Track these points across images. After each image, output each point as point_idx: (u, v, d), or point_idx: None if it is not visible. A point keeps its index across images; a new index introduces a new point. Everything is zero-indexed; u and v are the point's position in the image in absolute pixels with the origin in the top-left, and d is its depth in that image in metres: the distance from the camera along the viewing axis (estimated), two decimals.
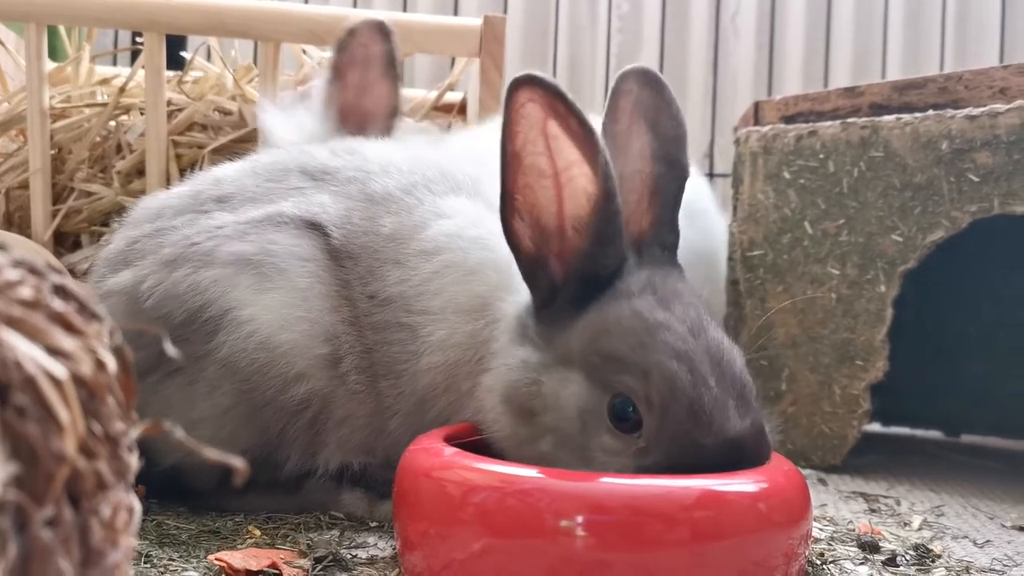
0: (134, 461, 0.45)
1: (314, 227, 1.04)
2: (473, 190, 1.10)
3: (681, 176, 0.96)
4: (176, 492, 1.04)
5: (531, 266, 0.91)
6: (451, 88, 1.89)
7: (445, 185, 1.09)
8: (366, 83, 1.31)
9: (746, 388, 0.85)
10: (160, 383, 0.99)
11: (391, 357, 1.02)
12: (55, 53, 1.84)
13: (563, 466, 0.85)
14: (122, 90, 1.67)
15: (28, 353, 0.39)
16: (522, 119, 0.86)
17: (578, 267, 0.89)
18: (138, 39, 1.67)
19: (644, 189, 0.96)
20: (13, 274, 0.42)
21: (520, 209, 0.89)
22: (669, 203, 0.96)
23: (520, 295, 0.95)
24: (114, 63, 2.24)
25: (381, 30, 1.29)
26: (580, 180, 0.87)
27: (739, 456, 0.81)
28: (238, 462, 0.45)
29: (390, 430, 1.03)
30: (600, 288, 0.89)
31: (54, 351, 0.41)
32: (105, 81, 1.77)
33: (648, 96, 0.97)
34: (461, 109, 1.89)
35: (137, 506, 0.45)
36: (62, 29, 1.84)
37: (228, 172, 1.14)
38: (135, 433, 0.46)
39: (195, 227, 1.04)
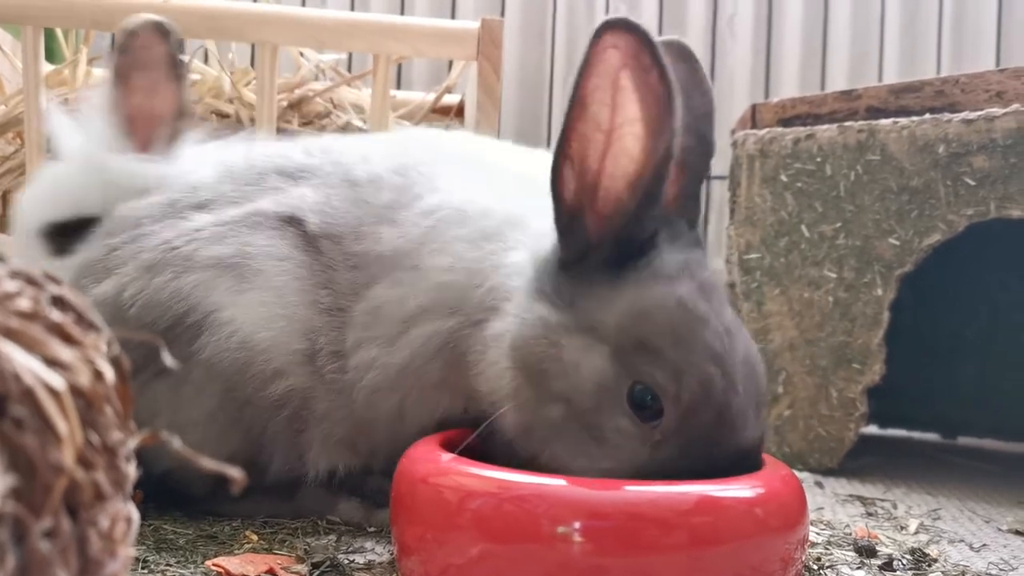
0: (132, 471, 0.45)
1: (291, 221, 1.04)
2: (461, 166, 1.08)
3: (708, 152, 0.94)
4: (172, 496, 1.04)
5: (569, 218, 0.87)
6: (448, 91, 1.89)
7: (434, 161, 1.07)
8: (152, 85, 1.24)
9: (763, 397, 0.85)
10: (146, 385, 0.99)
11: (378, 316, 0.99)
12: (52, 56, 1.84)
13: (570, 438, 0.84)
14: None
15: (26, 364, 0.39)
16: (600, 63, 0.82)
17: (618, 226, 0.86)
18: None
19: (673, 159, 0.92)
20: (11, 285, 0.43)
21: (572, 156, 0.85)
22: (696, 177, 0.94)
23: (531, 250, 0.93)
24: None
25: (160, 30, 1.20)
26: (628, 139, 0.83)
27: (743, 462, 0.81)
28: (235, 472, 0.45)
29: (361, 395, 1.00)
30: (632, 256, 0.86)
31: (52, 362, 0.41)
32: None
33: (682, 70, 0.93)
34: (459, 112, 1.89)
35: (135, 516, 0.45)
36: (59, 31, 1.84)
37: (204, 179, 1.11)
38: (133, 443, 0.46)
39: (174, 230, 1.04)
